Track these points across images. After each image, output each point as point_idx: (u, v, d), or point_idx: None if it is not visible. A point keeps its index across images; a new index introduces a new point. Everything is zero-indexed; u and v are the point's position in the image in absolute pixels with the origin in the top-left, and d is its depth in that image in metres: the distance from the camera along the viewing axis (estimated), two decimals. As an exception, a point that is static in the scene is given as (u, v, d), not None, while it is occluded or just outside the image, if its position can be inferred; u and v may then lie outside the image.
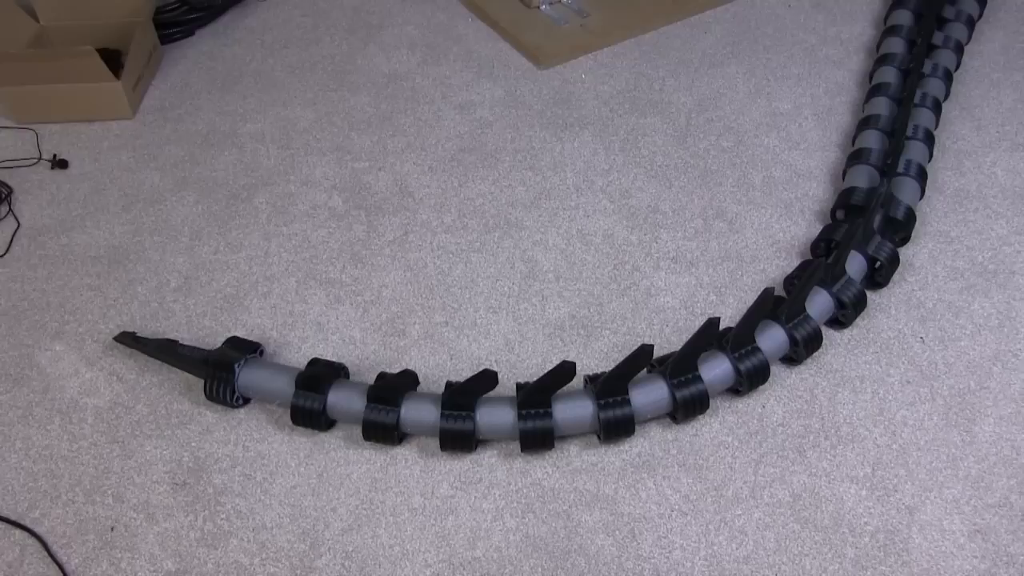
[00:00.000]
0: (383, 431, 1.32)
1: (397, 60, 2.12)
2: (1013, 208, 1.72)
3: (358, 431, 1.34)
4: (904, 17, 2.07)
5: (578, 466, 1.33)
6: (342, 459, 1.35)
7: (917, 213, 1.64)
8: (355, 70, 2.10)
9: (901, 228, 1.61)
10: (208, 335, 1.52)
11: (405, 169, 1.83)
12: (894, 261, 1.56)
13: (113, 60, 1.96)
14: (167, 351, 1.44)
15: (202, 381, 1.40)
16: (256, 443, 1.37)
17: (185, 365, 1.44)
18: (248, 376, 1.38)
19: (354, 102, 2.00)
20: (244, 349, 1.41)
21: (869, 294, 1.53)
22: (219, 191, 1.79)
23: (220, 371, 1.38)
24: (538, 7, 2.24)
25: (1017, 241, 1.66)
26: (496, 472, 1.33)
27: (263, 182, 1.81)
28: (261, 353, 1.45)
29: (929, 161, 1.75)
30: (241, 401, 1.41)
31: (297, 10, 2.29)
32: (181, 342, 1.47)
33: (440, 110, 1.98)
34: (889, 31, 2.05)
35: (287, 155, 1.87)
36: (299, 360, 1.47)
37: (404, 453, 1.35)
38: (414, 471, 1.33)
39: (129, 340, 1.48)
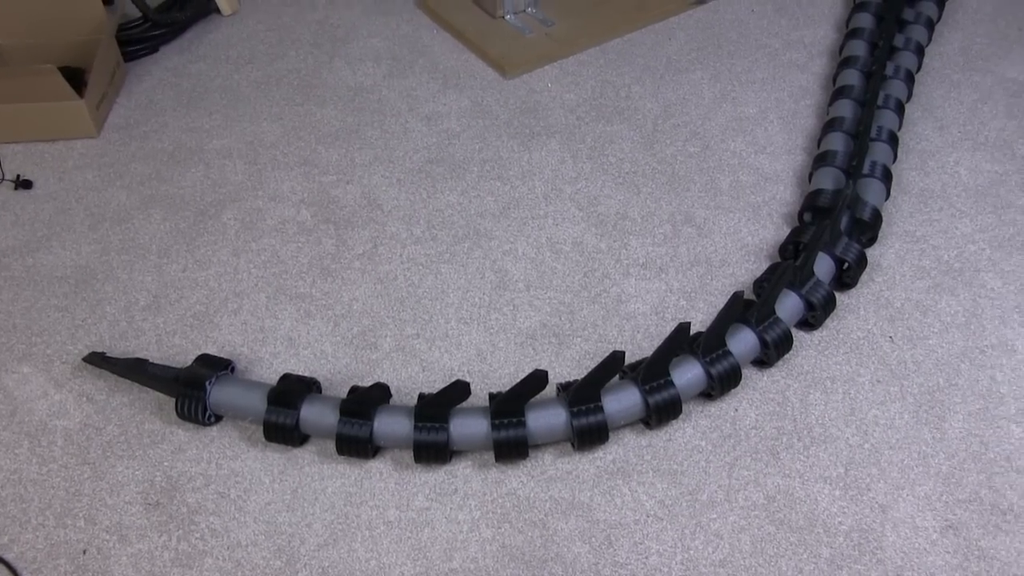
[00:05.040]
0: (357, 445, 1.32)
1: (363, 73, 2.12)
2: (976, 206, 1.74)
3: (332, 446, 1.34)
4: (865, 20, 2.09)
5: (553, 474, 1.34)
6: (316, 474, 1.34)
7: (883, 214, 1.66)
8: (321, 84, 2.09)
9: (868, 229, 1.63)
10: (179, 353, 1.51)
11: (373, 182, 1.83)
12: (862, 262, 1.57)
13: (76, 78, 1.94)
14: (137, 370, 1.43)
15: (173, 400, 1.38)
16: (229, 460, 1.36)
17: (156, 384, 1.43)
18: (220, 393, 1.37)
19: (321, 116, 2.00)
20: (215, 366, 1.40)
21: (838, 295, 1.54)
22: (187, 208, 1.77)
23: (191, 389, 1.37)
24: (503, 17, 2.24)
25: (981, 239, 1.68)
26: (471, 483, 1.33)
27: (231, 198, 1.80)
28: (232, 370, 1.44)
29: (894, 162, 1.77)
30: (213, 419, 1.40)
31: (262, 25, 2.29)
32: (151, 361, 1.45)
33: (407, 122, 1.97)
34: (851, 34, 2.08)
35: (254, 170, 1.86)
36: (271, 376, 1.46)
37: (378, 466, 1.35)
38: (389, 484, 1.33)
39: (98, 360, 1.46)
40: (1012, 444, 1.37)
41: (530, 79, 2.09)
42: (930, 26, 2.10)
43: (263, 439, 1.35)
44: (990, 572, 1.22)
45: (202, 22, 2.29)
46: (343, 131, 1.95)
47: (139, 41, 2.18)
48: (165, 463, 1.36)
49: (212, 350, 1.50)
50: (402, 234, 1.71)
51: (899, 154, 1.80)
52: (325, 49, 2.20)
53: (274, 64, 2.16)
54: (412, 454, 1.32)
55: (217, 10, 2.31)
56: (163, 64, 2.17)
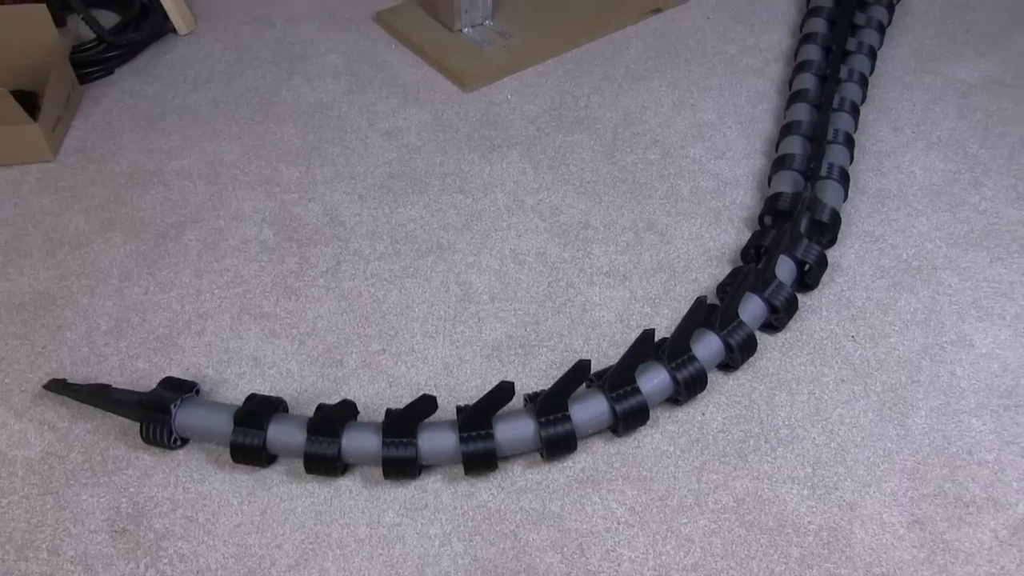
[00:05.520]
0: (325, 463, 1.31)
1: (322, 89, 2.12)
2: (932, 205, 1.77)
3: (300, 465, 1.33)
4: (819, 25, 2.12)
5: (523, 485, 1.33)
6: (285, 494, 1.33)
7: (842, 215, 1.68)
8: (280, 101, 2.08)
9: (827, 230, 1.65)
10: (143, 377, 1.49)
11: (335, 198, 1.82)
12: (822, 263, 1.59)
13: (30, 102, 1.91)
14: (100, 396, 1.41)
15: (138, 425, 1.37)
16: (196, 484, 1.35)
17: (119, 409, 1.41)
18: (185, 416, 1.36)
19: (281, 134, 1.99)
20: (180, 389, 1.39)
21: (800, 297, 1.56)
22: (147, 230, 1.76)
23: (156, 413, 1.35)
24: (461, 31, 2.25)
25: (938, 237, 1.70)
26: (441, 497, 1.32)
27: (192, 219, 1.78)
28: (197, 392, 1.43)
29: (851, 163, 1.79)
30: (179, 442, 1.38)
31: (219, 44, 2.28)
32: (114, 386, 1.44)
33: (367, 137, 1.97)
34: (805, 39, 2.10)
35: (215, 190, 1.85)
36: (236, 397, 1.45)
37: (348, 484, 1.34)
38: (359, 501, 1.32)
39: (59, 387, 1.44)
40: (973, 437, 1.38)
41: (489, 91, 2.10)
42: (881, 30, 2.13)
43: (230, 461, 1.34)
44: (955, 563, 1.23)
45: (158, 42, 2.28)
46: (304, 148, 1.95)
47: (94, 63, 2.16)
48: (131, 489, 1.34)
49: (176, 373, 1.49)
50: (365, 250, 1.71)
51: (856, 155, 1.83)
52: (284, 66, 2.19)
53: (232, 83, 2.15)
54: (381, 470, 1.31)
55: (173, 29, 2.29)
56: (119, 86, 2.15)
